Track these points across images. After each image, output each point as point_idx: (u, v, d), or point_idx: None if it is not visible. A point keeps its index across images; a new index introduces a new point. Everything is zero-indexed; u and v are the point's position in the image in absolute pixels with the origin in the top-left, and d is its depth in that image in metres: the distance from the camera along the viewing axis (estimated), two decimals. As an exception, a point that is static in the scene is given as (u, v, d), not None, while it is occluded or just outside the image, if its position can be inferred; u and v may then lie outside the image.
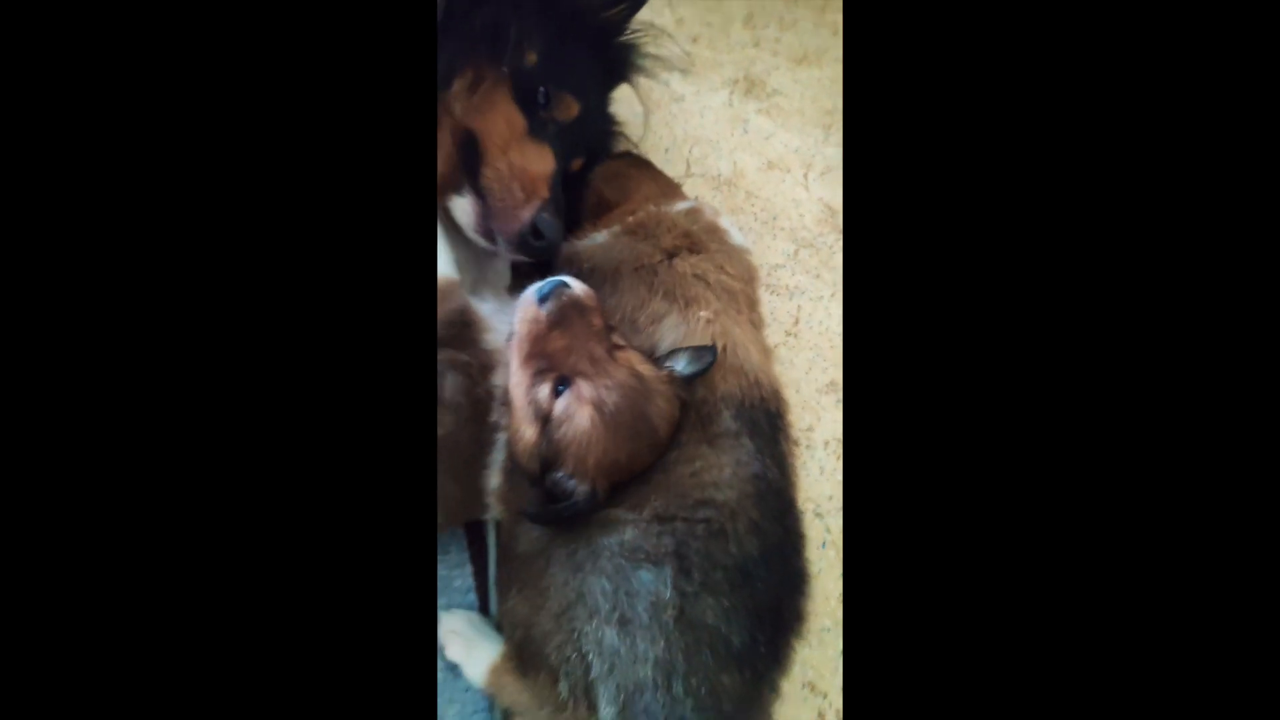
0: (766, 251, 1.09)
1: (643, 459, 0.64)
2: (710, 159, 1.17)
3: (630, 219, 0.84)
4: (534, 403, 0.61)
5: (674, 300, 0.76)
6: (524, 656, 0.63)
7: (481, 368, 0.66)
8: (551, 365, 0.62)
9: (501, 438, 0.66)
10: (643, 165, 0.98)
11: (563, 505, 0.60)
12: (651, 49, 0.96)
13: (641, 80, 0.98)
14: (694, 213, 0.86)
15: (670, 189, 0.95)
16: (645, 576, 0.60)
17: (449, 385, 0.65)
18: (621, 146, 1.02)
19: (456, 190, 0.77)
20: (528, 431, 0.62)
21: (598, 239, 0.84)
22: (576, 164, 0.92)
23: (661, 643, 0.58)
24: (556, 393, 0.61)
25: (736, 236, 0.89)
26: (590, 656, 0.59)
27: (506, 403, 0.64)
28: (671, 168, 1.15)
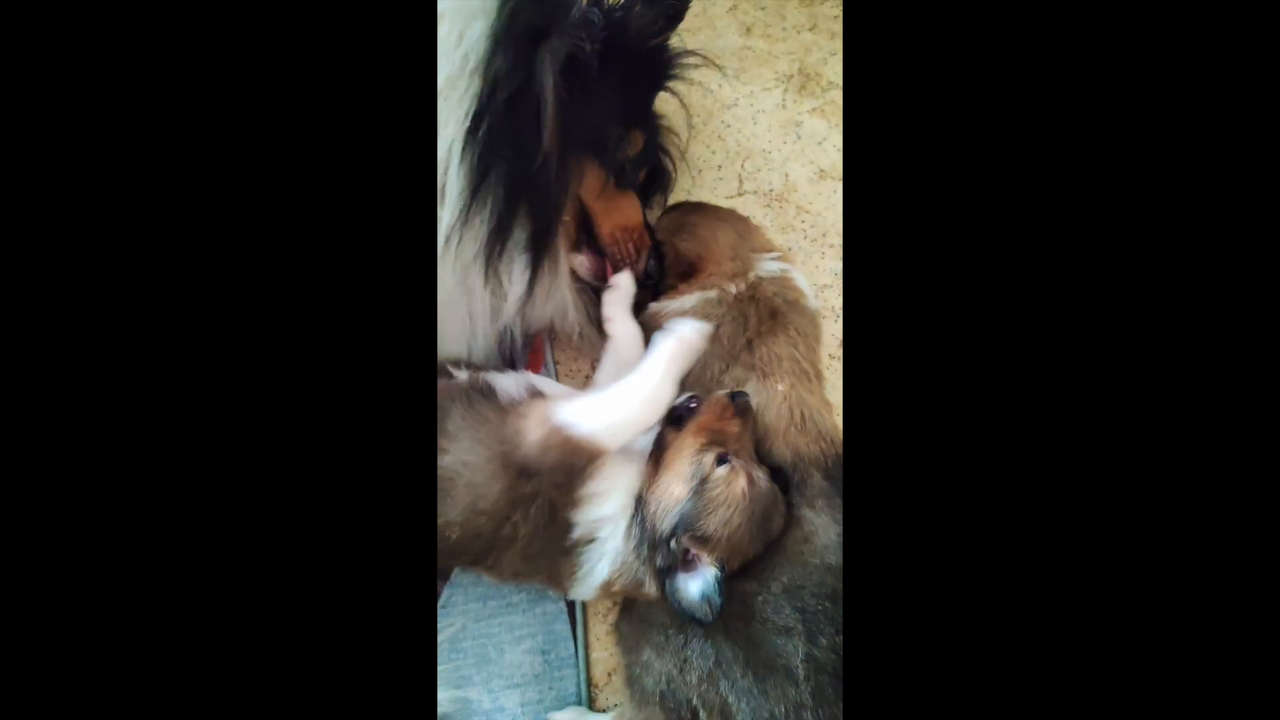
0: (815, 272, 1.14)
1: (754, 553, 0.76)
2: (762, 173, 1.19)
3: (732, 291, 0.90)
4: (695, 464, 0.73)
5: (752, 369, 0.87)
6: (666, 703, 0.76)
7: (571, 502, 0.74)
8: (721, 443, 0.75)
9: (587, 554, 0.75)
10: (704, 210, 1.02)
11: (710, 595, 0.71)
12: (690, 60, 0.94)
13: (680, 86, 0.98)
14: (784, 283, 0.93)
15: (743, 228, 0.99)
16: (777, 642, 0.73)
17: (534, 511, 0.73)
18: (668, 148, 1.04)
19: (575, 249, 0.92)
20: (678, 489, 0.73)
21: (686, 303, 0.92)
22: (641, 176, 0.99)
23: (792, 690, 0.72)
24: (719, 462, 0.74)
25: (812, 301, 0.96)
26: (729, 698, 0.74)
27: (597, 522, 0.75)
28: (724, 185, 1.18)
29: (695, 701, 0.74)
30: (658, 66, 0.91)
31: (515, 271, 0.82)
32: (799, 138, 1.22)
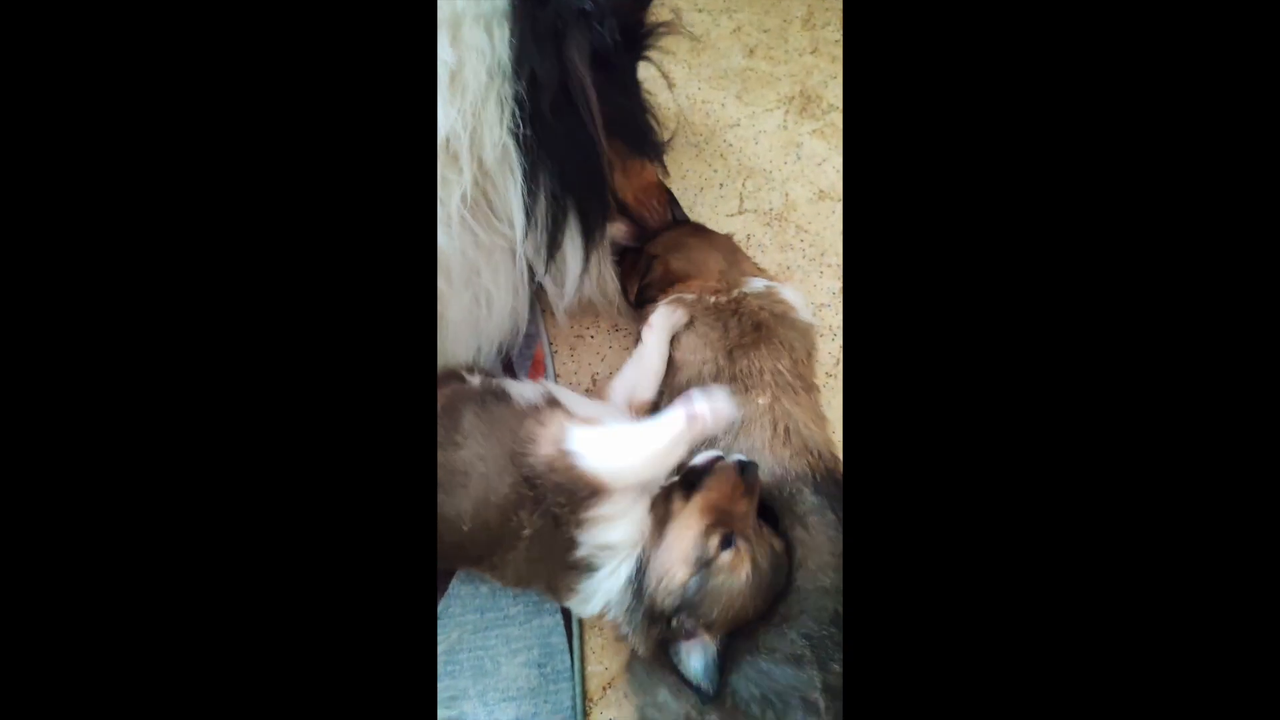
0: (813, 290, 1.16)
1: (752, 619, 0.75)
2: (763, 192, 1.21)
3: (711, 300, 0.93)
4: (700, 548, 0.72)
5: (733, 380, 0.87)
6: None
7: (576, 521, 0.73)
8: (727, 522, 0.73)
9: (588, 580, 0.75)
10: (703, 233, 1.04)
11: (710, 670, 0.72)
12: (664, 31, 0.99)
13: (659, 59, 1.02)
14: (770, 297, 0.94)
15: (734, 256, 1.02)
16: (789, 672, 0.73)
17: (537, 516, 0.73)
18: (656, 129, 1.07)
19: (611, 221, 0.99)
20: (680, 572, 0.72)
21: (663, 301, 0.94)
22: None
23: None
24: (724, 544, 0.72)
25: (804, 313, 0.97)
26: None
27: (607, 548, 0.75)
28: (725, 204, 1.20)
29: None
30: (638, 38, 0.96)
31: (569, 254, 0.87)
32: (799, 158, 1.24)
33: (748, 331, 0.90)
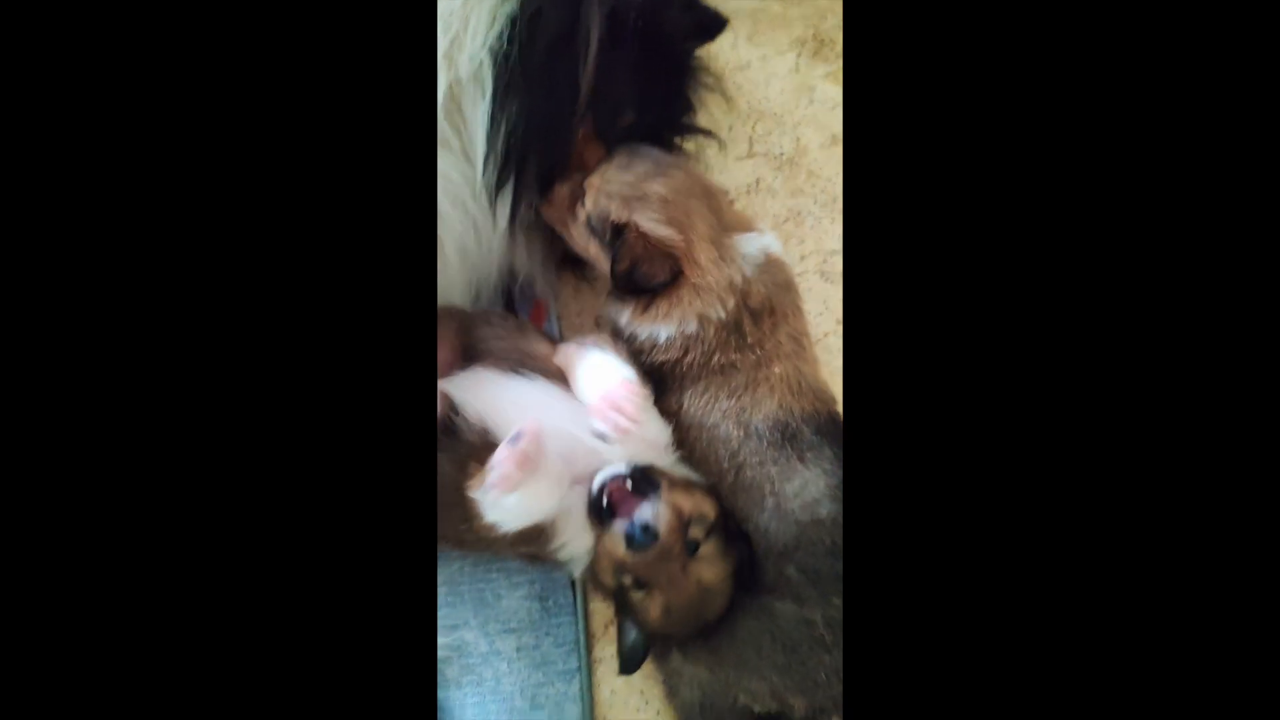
0: (824, 237, 1.13)
1: (693, 630, 0.76)
2: (773, 136, 1.18)
3: (716, 312, 0.81)
4: (615, 577, 0.75)
5: (753, 368, 0.84)
6: (710, 713, 0.77)
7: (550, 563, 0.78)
8: (632, 569, 0.73)
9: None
10: (667, 175, 0.82)
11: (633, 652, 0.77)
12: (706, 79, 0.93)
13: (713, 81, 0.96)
14: (772, 268, 0.85)
15: (716, 203, 0.85)
16: (793, 609, 0.74)
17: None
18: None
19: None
20: (608, 578, 0.75)
21: (661, 334, 0.82)
22: None
23: (826, 657, 0.72)
24: (635, 585, 0.74)
25: (790, 265, 0.91)
26: (773, 678, 0.74)
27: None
28: (734, 147, 1.17)
29: (742, 698, 0.74)
30: (684, 72, 0.89)
31: (498, 205, 0.80)
32: (812, 102, 1.21)
33: (765, 317, 0.83)
